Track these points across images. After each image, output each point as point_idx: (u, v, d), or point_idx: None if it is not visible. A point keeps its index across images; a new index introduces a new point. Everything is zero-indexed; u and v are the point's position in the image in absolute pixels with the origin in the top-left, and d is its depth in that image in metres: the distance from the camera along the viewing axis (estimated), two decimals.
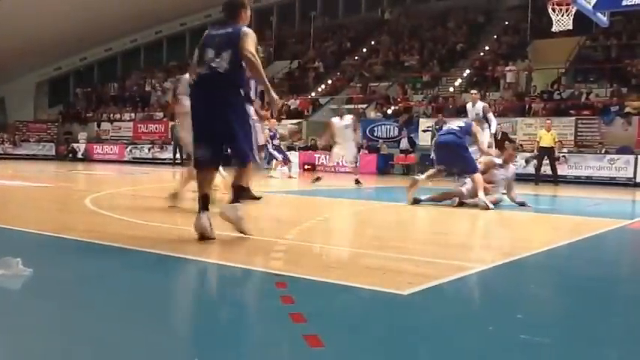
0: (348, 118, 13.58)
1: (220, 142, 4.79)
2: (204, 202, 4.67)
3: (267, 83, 4.80)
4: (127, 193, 9.61)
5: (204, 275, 3.69)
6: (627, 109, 19.02)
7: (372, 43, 30.93)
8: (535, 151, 17.04)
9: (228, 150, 4.86)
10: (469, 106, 11.70)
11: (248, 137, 4.73)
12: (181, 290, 3.30)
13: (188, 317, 2.72)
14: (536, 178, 16.47)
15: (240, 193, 4.84)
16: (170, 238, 4.84)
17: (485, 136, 10.50)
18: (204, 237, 4.55)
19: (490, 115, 11.35)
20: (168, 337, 2.41)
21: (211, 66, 4.68)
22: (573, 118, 19.59)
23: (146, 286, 3.35)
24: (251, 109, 5.49)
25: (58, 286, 3.30)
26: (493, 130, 11.27)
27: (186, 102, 5.90)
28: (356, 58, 30.15)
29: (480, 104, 11.57)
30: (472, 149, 10.01)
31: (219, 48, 4.72)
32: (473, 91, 12.82)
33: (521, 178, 13.86)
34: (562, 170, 17.51)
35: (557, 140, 17.14)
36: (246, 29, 4.81)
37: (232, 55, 4.67)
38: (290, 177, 16.33)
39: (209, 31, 5.00)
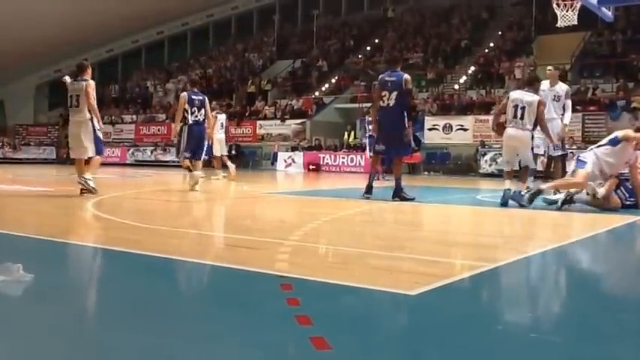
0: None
1: None
2: None
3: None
4: (129, 197, 9.57)
5: (208, 278, 3.65)
6: (634, 104, 18.94)
7: (376, 40, 30.85)
8: None
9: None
10: (544, 85, 9.11)
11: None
12: (185, 293, 3.26)
13: (192, 320, 2.67)
14: (545, 175, 16.28)
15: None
16: (172, 242, 4.80)
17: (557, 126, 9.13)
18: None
19: (569, 102, 9.40)
20: (172, 341, 2.36)
21: (387, 103, 8.17)
22: (580, 113, 19.51)
23: (149, 289, 3.30)
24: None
25: (59, 292, 3.25)
26: (567, 121, 9.32)
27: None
28: (360, 56, 30.07)
29: (564, 86, 9.47)
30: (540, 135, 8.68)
31: (390, 90, 8.17)
32: (549, 68, 10.06)
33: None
34: (570, 165, 17.34)
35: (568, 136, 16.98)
36: (407, 76, 8.28)
37: (398, 94, 8.13)
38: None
39: (382, 76, 8.47)
